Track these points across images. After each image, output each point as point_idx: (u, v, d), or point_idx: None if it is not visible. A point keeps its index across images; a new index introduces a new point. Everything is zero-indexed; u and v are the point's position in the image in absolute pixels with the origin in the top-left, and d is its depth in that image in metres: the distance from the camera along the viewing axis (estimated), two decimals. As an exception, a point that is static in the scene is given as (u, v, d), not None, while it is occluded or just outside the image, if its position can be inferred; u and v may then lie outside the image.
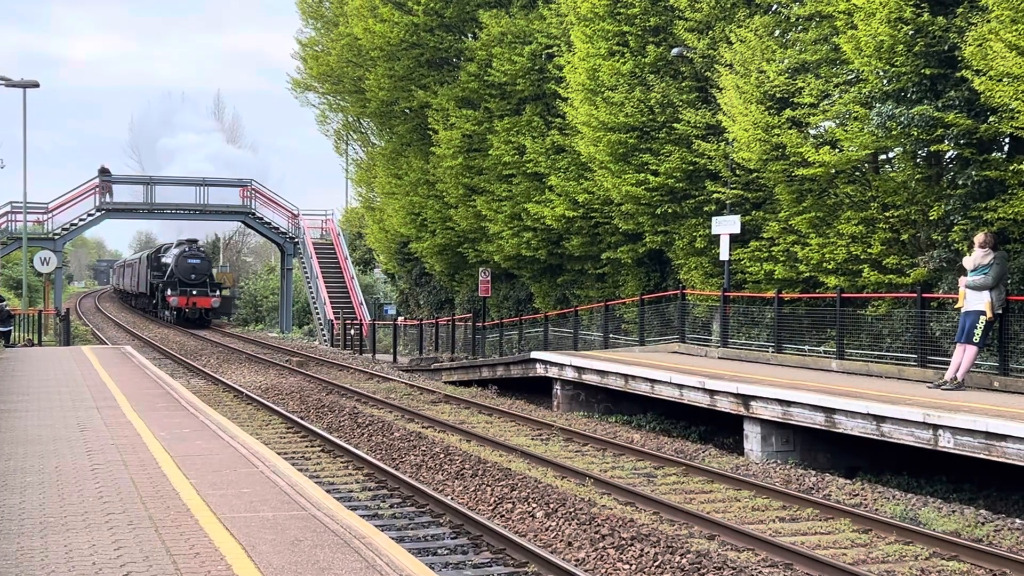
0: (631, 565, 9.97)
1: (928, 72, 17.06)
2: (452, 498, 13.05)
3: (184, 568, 6.85)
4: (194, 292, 54.33)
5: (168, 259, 57.87)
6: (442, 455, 15.85)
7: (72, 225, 49.92)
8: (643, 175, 25.15)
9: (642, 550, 10.34)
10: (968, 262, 15.41)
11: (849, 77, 19.46)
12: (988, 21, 15.46)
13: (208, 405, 17.15)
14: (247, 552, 7.24)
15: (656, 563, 9.93)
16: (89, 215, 50.00)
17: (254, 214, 52.82)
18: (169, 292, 54.65)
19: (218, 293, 56.53)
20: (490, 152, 33.66)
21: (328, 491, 12.02)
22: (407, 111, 40.01)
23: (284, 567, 6.87)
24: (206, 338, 43.49)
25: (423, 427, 19.19)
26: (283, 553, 7.22)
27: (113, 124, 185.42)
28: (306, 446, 17.16)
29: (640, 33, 25.81)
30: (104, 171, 51.18)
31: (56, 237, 48.56)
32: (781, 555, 10.41)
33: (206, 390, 24.43)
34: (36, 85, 38.93)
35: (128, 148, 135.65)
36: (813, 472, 14.67)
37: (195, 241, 58.70)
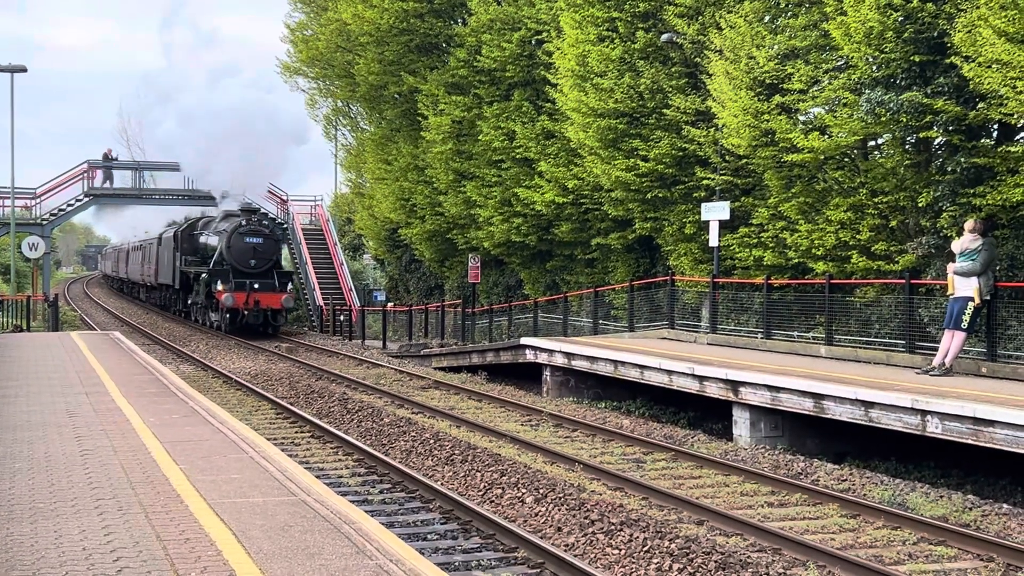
0: (620, 550, 10.00)
1: (917, 58, 17.07)
2: (442, 483, 13.08)
3: (174, 553, 6.86)
4: (256, 286, 37.82)
5: (212, 238, 41.34)
6: (432, 441, 15.87)
7: (60, 211, 49.75)
8: (633, 161, 25.14)
9: (631, 535, 10.38)
10: (956, 246, 15.48)
11: (839, 63, 19.47)
12: (977, 7, 15.46)
13: (197, 391, 17.12)
14: (237, 537, 7.25)
15: (645, 548, 9.97)
16: (77, 200, 49.82)
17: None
18: (220, 286, 37.89)
19: (290, 287, 39.31)
20: (479, 138, 33.62)
21: (318, 477, 12.04)
22: (396, 96, 39.92)
23: (274, 552, 6.89)
24: (194, 324, 43.18)
25: (413, 413, 19.20)
26: (273, 538, 7.23)
27: (99, 110, 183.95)
28: (296, 432, 17.17)
29: (629, 19, 25.77)
30: (106, 157, 51.07)
31: (44, 223, 48.39)
32: (770, 540, 10.46)
33: (195, 376, 24.41)
34: (23, 70, 38.74)
35: (116, 134, 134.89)
36: (802, 457, 14.72)
37: (254, 212, 40.99)
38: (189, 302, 43.72)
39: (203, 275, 39.62)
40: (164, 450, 10.60)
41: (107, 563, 6.65)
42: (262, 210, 47.47)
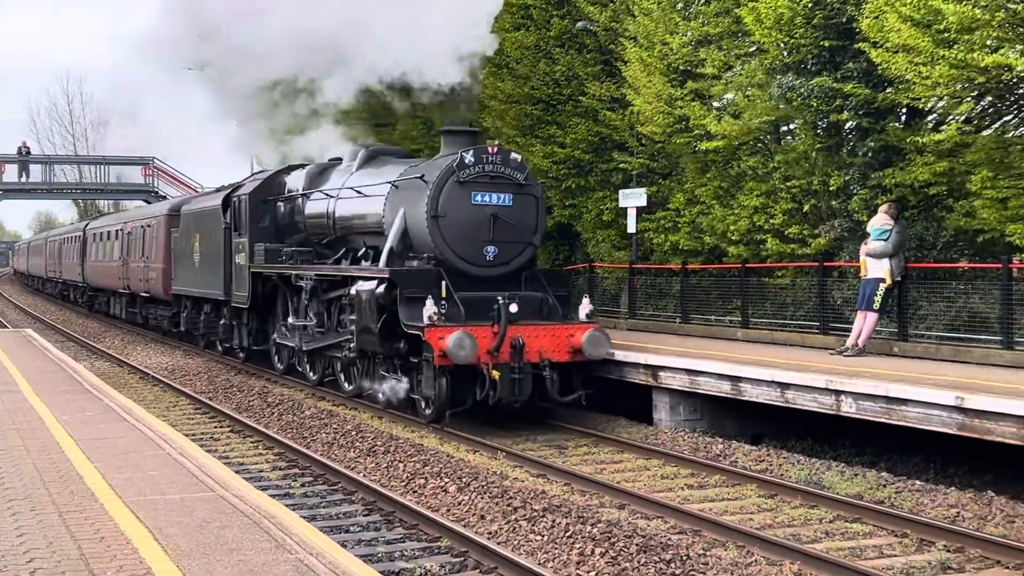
0: (543, 536, 10.05)
1: (827, 44, 17.35)
2: (364, 475, 13.02)
3: (89, 553, 6.75)
4: (514, 309, 15.55)
5: (357, 201, 19.05)
6: (354, 432, 15.79)
7: (-33, 206, 48.62)
8: (550, 148, 25.22)
9: (554, 521, 10.43)
10: (870, 224, 15.88)
11: (751, 49, 19.70)
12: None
13: (113, 387, 16.87)
14: (154, 535, 7.15)
15: (567, 533, 10.03)
16: (-15, 196, 48.73)
17: (157, 192, 51.83)
18: (430, 311, 15.26)
19: (588, 307, 16.62)
20: (396, 127, 33.44)
21: (238, 472, 11.92)
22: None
23: (192, 549, 6.81)
24: (111, 319, 42.02)
25: (334, 405, 19.07)
26: (191, 535, 7.15)
27: (7, 107, 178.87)
28: (215, 427, 16.98)
29: (544, 6, 25.81)
30: (20, 151, 50.12)
31: (-49, 219, 47.20)
32: (690, 522, 10.58)
33: (111, 372, 24.01)
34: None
35: (26, 129, 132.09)
36: (721, 440, 14.89)
37: (474, 133, 18.48)
38: (273, 339, 22.46)
39: (369, 287, 16.51)
40: (79, 448, 10.42)
41: (20, 564, 6.52)
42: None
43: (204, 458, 10.12)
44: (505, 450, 14.10)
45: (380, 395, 17.36)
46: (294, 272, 20.28)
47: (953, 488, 11.94)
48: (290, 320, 21.00)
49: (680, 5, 22.03)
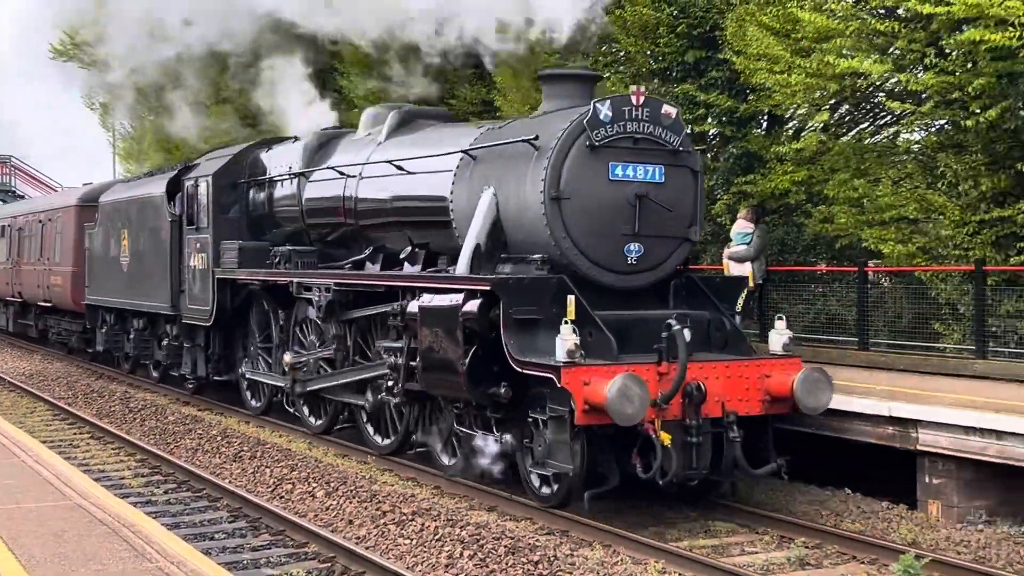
0: (412, 540, 10.05)
1: (691, 53, 17.70)
2: (230, 481, 12.83)
3: (-62, 566, 6.52)
4: (687, 335, 10.17)
5: (407, 179, 13.62)
6: (220, 438, 15.56)
7: None
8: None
9: (423, 524, 10.44)
10: (732, 229, 16.28)
11: (619, 56, 19.97)
12: (746, 2, 16.15)
13: (-34, 394, 16.32)
14: (7, 545, 6.95)
15: (436, 536, 10.04)
16: None
17: (14, 192, 50.20)
18: (568, 343, 9.95)
19: (783, 334, 11.31)
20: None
21: (98, 479, 11.64)
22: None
23: (47, 559, 6.63)
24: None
25: (199, 410, 18.72)
26: (47, 544, 6.96)
27: None
28: (74, 433, 16.54)
29: (415, 9, 25.75)
30: None
31: None
32: (557, 523, 10.66)
33: (-36, 379, 23.19)
34: None
35: None
36: (588, 441, 15.01)
37: (595, 78, 12.95)
38: (242, 372, 17.64)
39: (448, 304, 11.13)
40: (-72, 458, 10.06)
41: None
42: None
43: (62, 465, 9.87)
44: (375, 455, 13.93)
45: (447, 460, 12.36)
46: (296, 280, 14.90)
47: (812, 486, 12.26)
48: (286, 357, 15.22)
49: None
